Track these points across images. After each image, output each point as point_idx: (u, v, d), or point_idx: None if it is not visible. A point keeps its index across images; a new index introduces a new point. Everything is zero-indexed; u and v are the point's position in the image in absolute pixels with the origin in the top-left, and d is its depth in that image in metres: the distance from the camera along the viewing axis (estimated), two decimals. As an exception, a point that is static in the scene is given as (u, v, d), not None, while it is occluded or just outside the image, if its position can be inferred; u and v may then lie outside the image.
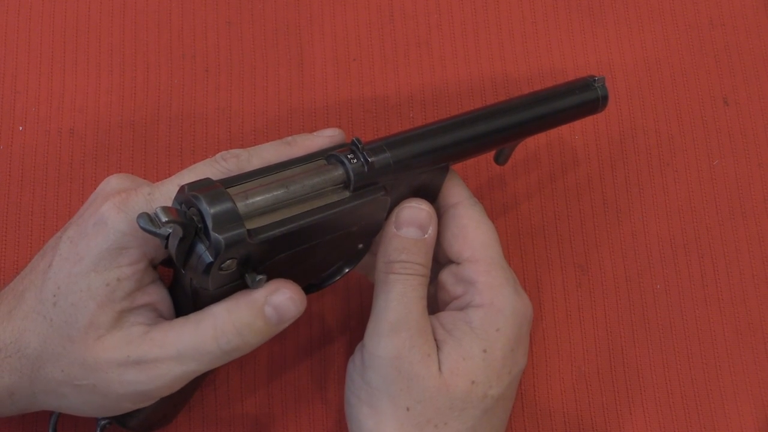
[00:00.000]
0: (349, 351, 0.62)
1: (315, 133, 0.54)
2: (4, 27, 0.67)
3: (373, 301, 0.53)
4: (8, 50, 0.66)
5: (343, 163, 0.50)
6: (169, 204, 0.47)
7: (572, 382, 0.63)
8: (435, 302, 0.56)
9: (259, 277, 0.47)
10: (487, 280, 0.53)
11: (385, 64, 0.69)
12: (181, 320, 0.49)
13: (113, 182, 0.51)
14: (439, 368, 0.51)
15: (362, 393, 0.52)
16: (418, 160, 0.52)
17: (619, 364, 0.63)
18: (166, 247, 0.46)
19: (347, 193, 0.50)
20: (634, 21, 0.72)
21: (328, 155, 0.51)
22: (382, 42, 0.69)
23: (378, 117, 0.67)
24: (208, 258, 0.45)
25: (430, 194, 0.55)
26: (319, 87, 0.68)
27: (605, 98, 0.59)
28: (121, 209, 0.48)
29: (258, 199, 0.47)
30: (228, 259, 0.45)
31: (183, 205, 0.46)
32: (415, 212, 0.54)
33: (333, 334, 0.63)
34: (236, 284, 0.48)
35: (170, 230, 0.44)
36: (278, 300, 0.49)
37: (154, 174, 0.64)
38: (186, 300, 0.50)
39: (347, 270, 0.55)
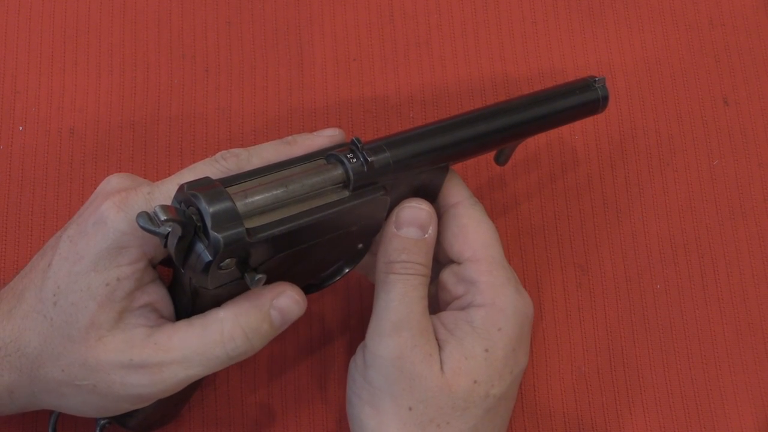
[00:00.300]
0: (349, 351, 0.62)
1: (315, 133, 0.54)
2: (4, 27, 0.67)
3: (374, 301, 0.53)
4: (8, 50, 0.66)
5: (342, 162, 0.50)
6: (169, 203, 0.47)
7: (572, 382, 0.63)
8: (436, 302, 0.56)
9: (259, 276, 0.47)
10: (488, 279, 0.53)
11: (385, 64, 0.69)
12: (184, 324, 0.49)
13: (113, 181, 0.51)
14: (441, 368, 0.51)
15: (364, 393, 0.52)
16: (418, 159, 0.52)
17: (619, 364, 0.63)
18: (166, 246, 0.46)
19: (347, 193, 0.50)
20: (634, 21, 0.72)
21: (328, 155, 0.51)
22: (382, 42, 0.69)
23: (378, 117, 0.67)
24: (207, 257, 0.45)
25: (430, 194, 0.55)
26: (319, 87, 0.68)
27: (605, 99, 0.59)
28: (120, 208, 0.48)
29: (257, 198, 0.47)
30: (227, 258, 0.45)
31: (182, 204, 0.46)
32: (415, 212, 0.54)
33: (333, 334, 0.63)
34: (236, 283, 0.48)
35: (169, 229, 0.44)
36: (283, 303, 0.49)
37: (155, 174, 0.64)
38: (186, 299, 0.50)
39: (347, 270, 0.55)
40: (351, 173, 0.49)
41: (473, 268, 0.54)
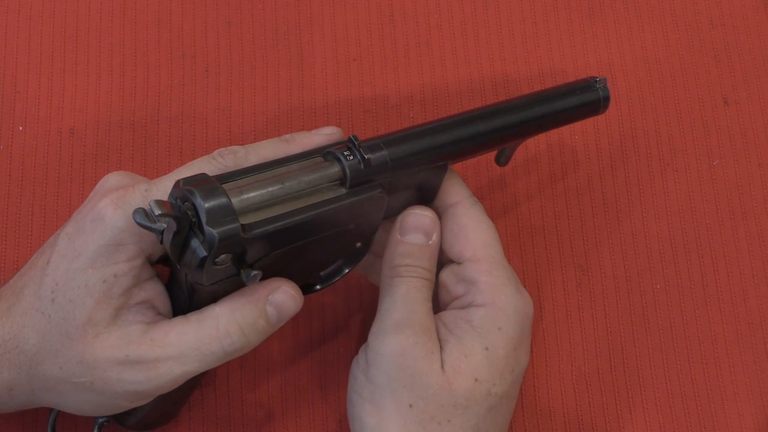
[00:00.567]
0: (349, 350, 0.62)
1: (313, 131, 0.54)
2: (4, 27, 0.67)
3: (378, 304, 0.54)
4: (8, 50, 0.66)
5: (339, 159, 0.50)
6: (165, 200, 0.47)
7: (572, 382, 0.63)
8: (436, 302, 0.56)
9: (254, 272, 0.46)
10: (488, 279, 0.53)
11: (385, 64, 0.69)
12: (180, 320, 0.49)
13: (112, 179, 0.51)
14: (442, 366, 0.51)
15: (365, 391, 0.52)
16: (416, 158, 0.52)
17: (619, 364, 0.63)
18: (162, 242, 0.46)
19: (343, 190, 0.50)
20: (634, 21, 0.72)
21: (325, 152, 0.51)
22: (382, 42, 0.69)
23: (378, 117, 0.67)
24: (202, 252, 0.45)
25: (429, 193, 0.55)
26: (319, 87, 0.68)
27: (606, 99, 0.58)
28: (118, 206, 0.48)
29: (253, 194, 0.47)
30: (222, 254, 0.45)
31: (178, 200, 0.46)
32: (419, 219, 0.54)
33: (333, 334, 0.62)
34: (232, 280, 0.48)
35: (165, 225, 0.44)
36: (279, 299, 0.49)
37: (154, 174, 0.64)
38: (183, 296, 0.50)
39: (347, 270, 0.55)
40: (348, 170, 0.49)
41: (473, 267, 0.54)
